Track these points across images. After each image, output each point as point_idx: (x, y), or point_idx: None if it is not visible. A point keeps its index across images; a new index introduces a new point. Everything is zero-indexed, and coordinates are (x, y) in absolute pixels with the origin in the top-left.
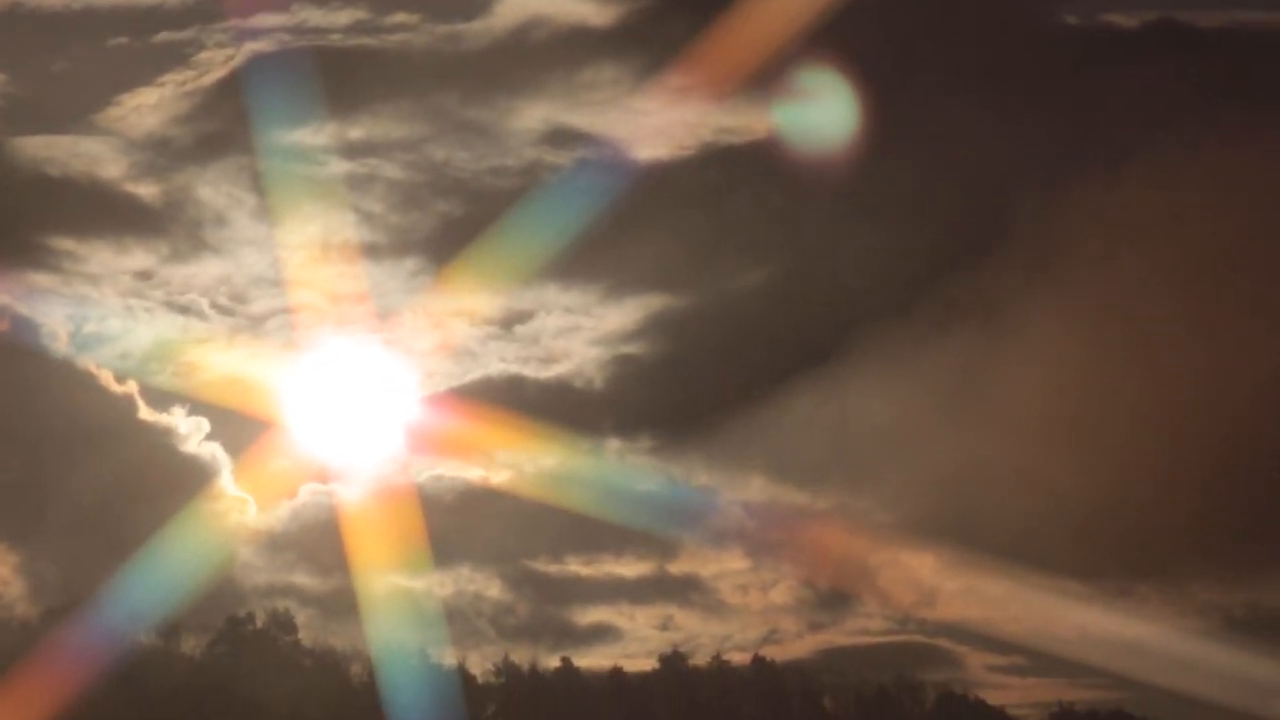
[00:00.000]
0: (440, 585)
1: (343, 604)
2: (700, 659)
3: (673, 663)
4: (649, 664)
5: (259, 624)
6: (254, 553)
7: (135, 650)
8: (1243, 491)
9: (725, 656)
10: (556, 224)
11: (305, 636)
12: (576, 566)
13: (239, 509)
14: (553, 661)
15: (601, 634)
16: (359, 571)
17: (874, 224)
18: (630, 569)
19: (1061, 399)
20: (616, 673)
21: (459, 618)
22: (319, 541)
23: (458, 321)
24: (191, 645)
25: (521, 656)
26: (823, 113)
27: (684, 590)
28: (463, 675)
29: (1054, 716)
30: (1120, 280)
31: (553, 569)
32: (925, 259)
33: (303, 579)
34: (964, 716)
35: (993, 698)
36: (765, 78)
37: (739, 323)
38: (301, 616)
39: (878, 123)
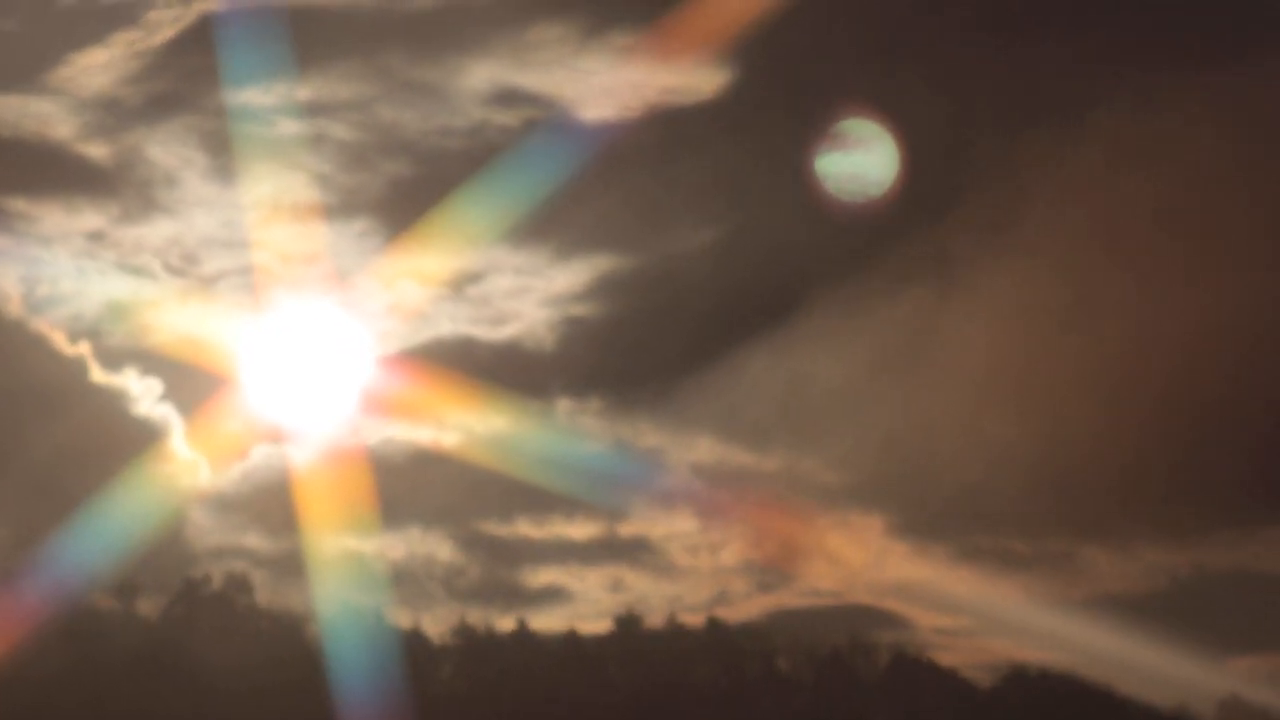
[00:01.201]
0: (391, 547)
1: (294, 566)
2: (653, 621)
3: (627, 624)
4: (601, 625)
5: (216, 586)
6: (205, 514)
7: (92, 612)
8: (1190, 452)
9: (679, 618)
10: (505, 185)
11: (260, 598)
12: (526, 528)
13: (191, 470)
14: (507, 624)
15: (552, 596)
16: (310, 533)
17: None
18: (580, 530)
19: (1011, 360)
20: (571, 635)
21: (410, 580)
22: (270, 503)
23: (408, 283)
24: (148, 607)
25: (474, 619)
26: (773, 73)
27: (634, 552)
28: (418, 638)
29: (1006, 678)
30: (1073, 239)
31: (503, 531)
32: (877, 219)
33: (254, 541)
34: (917, 678)
35: (943, 659)
36: (712, 38)
37: (688, 283)
38: (253, 578)
39: (827, 82)
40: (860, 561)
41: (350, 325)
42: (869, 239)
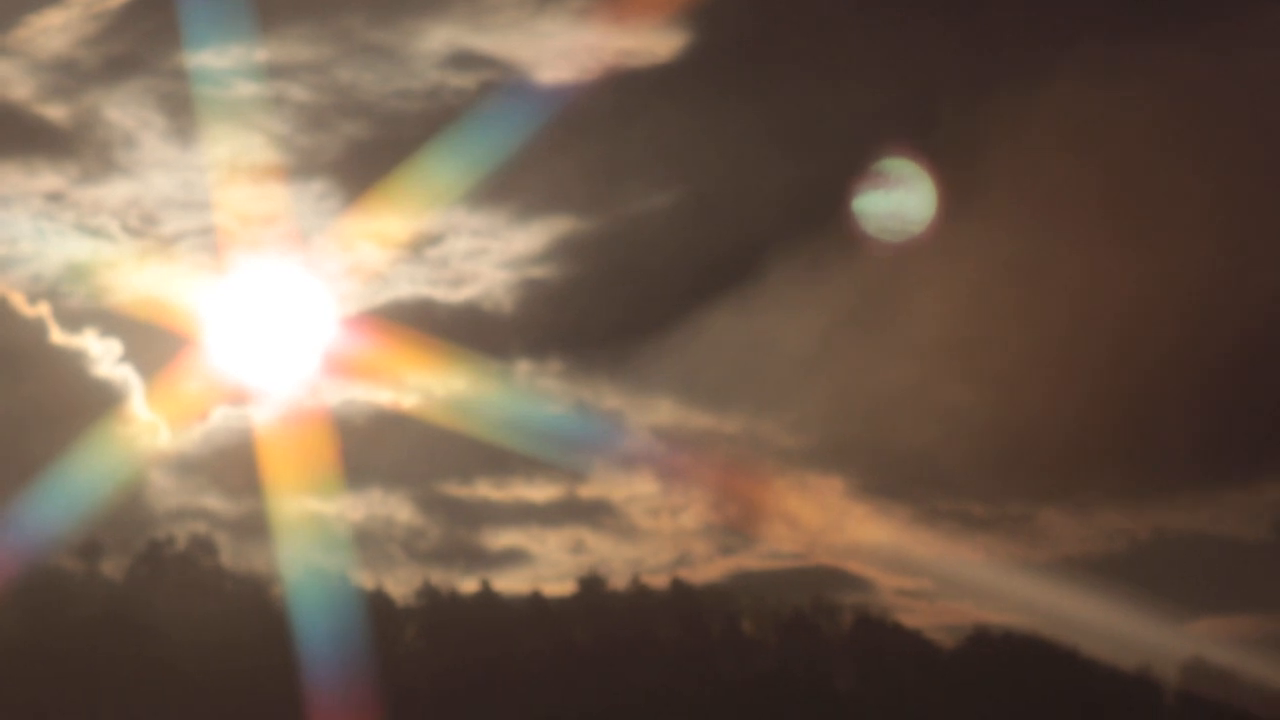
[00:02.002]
0: (352, 509)
1: (255, 527)
2: (616, 582)
3: (591, 586)
4: (564, 587)
5: (180, 546)
6: (165, 475)
7: (56, 573)
8: (1149, 416)
9: (642, 580)
10: (463, 147)
11: (224, 559)
12: (487, 490)
13: (151, 431)
14: (470, 585)
15: (513, 557)
16: (272, 495)
17: (786, 144)
18: (540, 492)
19: (970, 324)
20: (535, 596)
21: (370, 541)
22: (231, 465)
23: (367, 244)
24: (112, 568)
25: (436, 580)
26: (728, 36)
27: (594, 514)
28: (382, 599)
29: (970, 640)
30: (1029, 206)
31: (463, 492)
32: (840, 178)
33: (214, 502)
34: (880, 639)
35: (906, 621)
36: (668, 1)
37: (647, 245)
38: (216, 539)
39: (789, 39)
40: (820, 523)
41: (310, 287)
42: (830, 201)
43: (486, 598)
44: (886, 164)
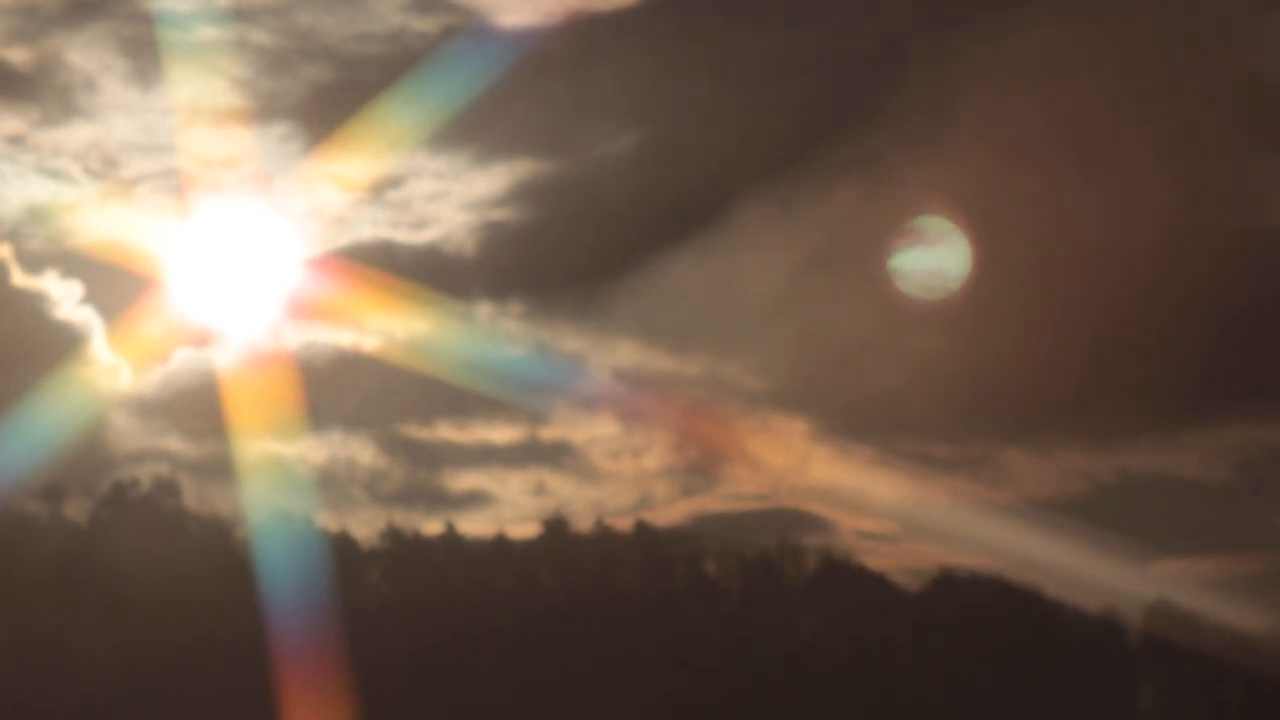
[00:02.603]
0: (313, 451)
1: (217, 469)
2: (580, 524)
3: (555, 528)
4: (525, 529)
5: (144, 489)
6: (127, 418)
7: (19, 516)
8: (1112, 357)
9: (606, 522)
10: (425, 91)
11: (188, 501)
12: (448, 432)
13: (112, 374)
14: (434, 527)
15: (475, 499)
16: (232, 437)
17: (752, 86)
18: (502, 434)
19: (935, 264)
20: (500, 539)
21: (332, 483)
22: (192, 406)
23: (328, 187)
24: (75, 511)
25: (399, 522)
26: None
27: (556, 456)
28: (346, 541)
29: (935, 582)
30: (999, 144)
31: (424, 434)
32: (807, 120)
33: (176, 444)
34: (845, 582)
35: (871, 564)
36: None
37: (609, 188)
38: (180, 482)
39: None
40: (783, 465)
41: (272, 229)
42: (796, 144)
43: (450, 539)
44: (923, 222)
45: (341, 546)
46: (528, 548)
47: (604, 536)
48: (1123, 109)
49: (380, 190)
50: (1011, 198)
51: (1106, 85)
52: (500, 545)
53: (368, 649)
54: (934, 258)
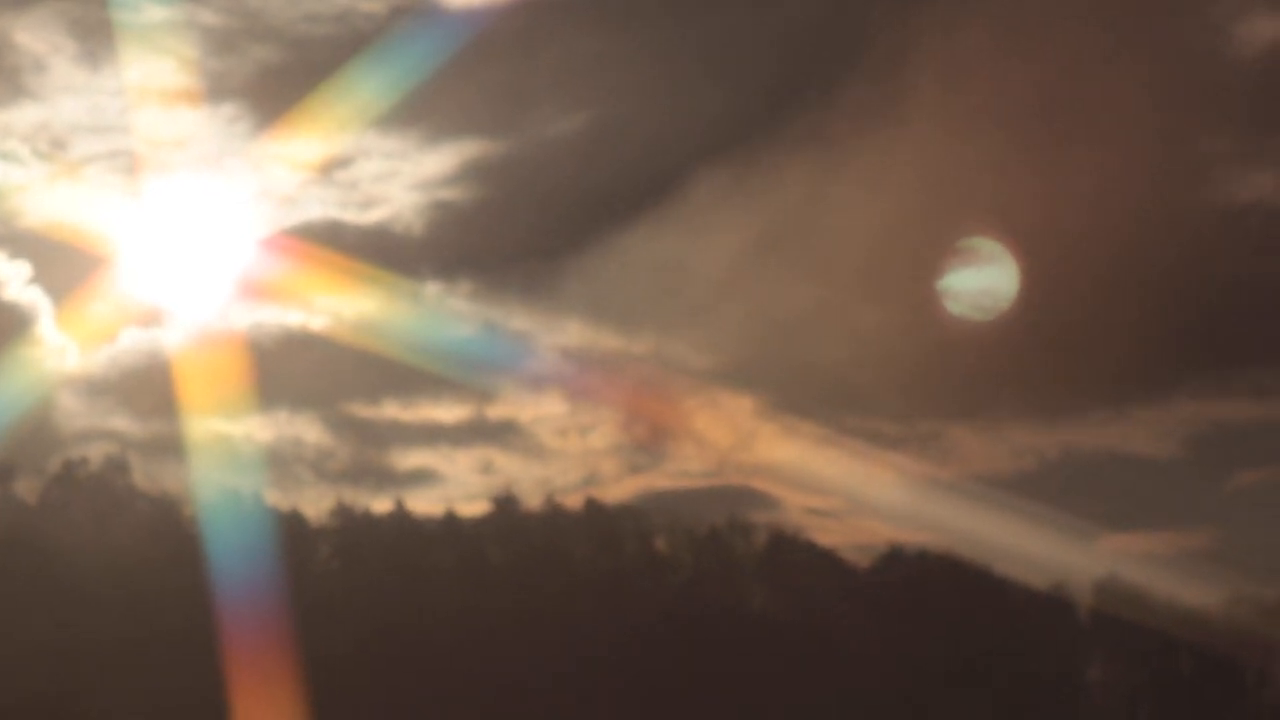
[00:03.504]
0: (261, 430)
1: (163, 448)
2: (530, 502)
3: (505, 505)
4: (473, 507)
5: (93, 468)
6: (74, 397)
7: None
8: (1059, 334)
9: (556, 499)
10: (373, 71)
11: (137, 480)
12: (395, 410)
13: (59, 354)
14: (384, 505)
15: (423, 478)
16: (180, 416)
17: (701, 65)
18: (449, 413)
19: (884, 243)
20: (449, 516)
21: (279, 462)
22: (139, 386)
23: (277, 167)
24: (26, 489)
25: (348, 500)
26: None
27: (503, 434)
28: (295, 519)
29: (884, 558)
30: (953, 122)
31: (371, 413)
32: (758, 97)
33: (123, 423)
34: (795, 558)
35: (821, 540)
36: None
37: (557, 168)
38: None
39: None
40: (730, 442)
41: (220, 210)
42: (746, 122)
43: (400, 517)
44: (972, 243)
45: (291, 524)
46: (477, 526)
47: (554, 514)
48: (1077, 86)
49: (329, 170)
50: (963, 175)
51: (1061, 62)
52: (450, 523)
53: (317, 626)
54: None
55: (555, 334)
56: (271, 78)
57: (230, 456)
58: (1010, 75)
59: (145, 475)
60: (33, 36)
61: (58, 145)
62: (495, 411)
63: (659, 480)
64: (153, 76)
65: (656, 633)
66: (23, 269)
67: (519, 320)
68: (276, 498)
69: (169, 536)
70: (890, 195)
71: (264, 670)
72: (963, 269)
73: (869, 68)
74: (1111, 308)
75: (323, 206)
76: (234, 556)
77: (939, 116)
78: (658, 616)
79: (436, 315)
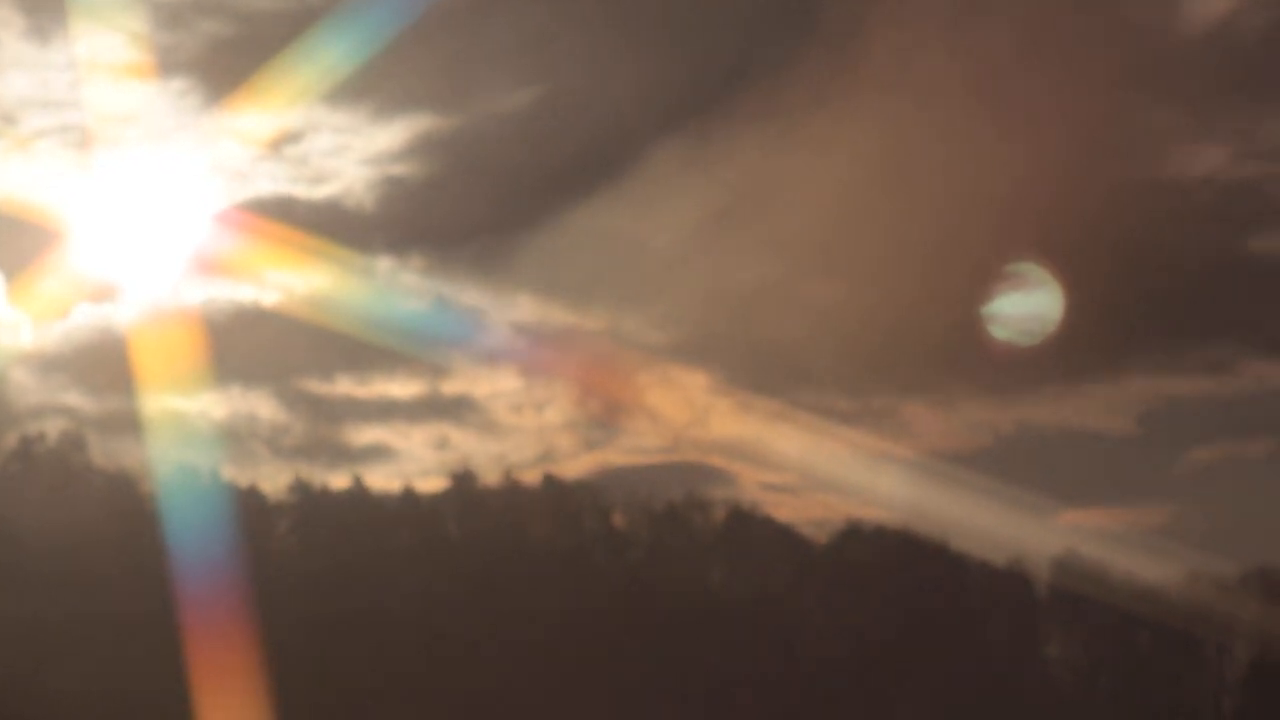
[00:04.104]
0: (215, 406)
1: (116, 425)
2: (487, 478)
3: (463, 481)
4: (430, 483)
5: (50, 443)
6: (26, 373)
7: None
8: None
9: (514, 475)
10: (323, 45)
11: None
12: (349, 386)
13: (12, 329)
14: (339, 481)
15: (377, 453)
16: (133, 392)
17: (653, 37)
18: (403, 388)
19: (839, 219)
20: (408, 492)
21: (234, 439)
22: (93, 362)
23: (227, 142)
24: None
25: (302, 476)
26: None
27: (458, 410)
28: (253, 495)
29: (842, 534)
30: (905, 97)
31: (325, 389)
32: (711, 71)
33: (76, 400)
34: (752, 534)
35: (779, 515)
36: None
37: (508, 142)
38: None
39: None
40: (685, 418)
41: (171, 185)
42: (699, 96)
43: (358, 494)
44: (1017, 267)
45: (248, 501)
46: (436, 501)
47: (512, 490)
48: (1029, 61)
49: (280, 145)
50: (917, 149)
51: (1013, 37)
52: (408, 499)
53: (275, 602)
54: None
55: (508, 309)
56: (221, 52)
57: (185, 433)
58: (964, 49)
59: (101, 451)
60: None
61: (8, 120)
62: (449, 387)
63: (615, 456)
64: (103, 51)
65: (615, 608)
66: None
67: (471, 295)
68: (232, 474)
69: (126, 513)
70: (846, 170)
71: (223, 647)
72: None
73: (824, 40)
74: (1064, 284)
75: (274, 182)
76: (192, 532)
77: (893, 91)
78: (616, 592)
79: (389, 291)
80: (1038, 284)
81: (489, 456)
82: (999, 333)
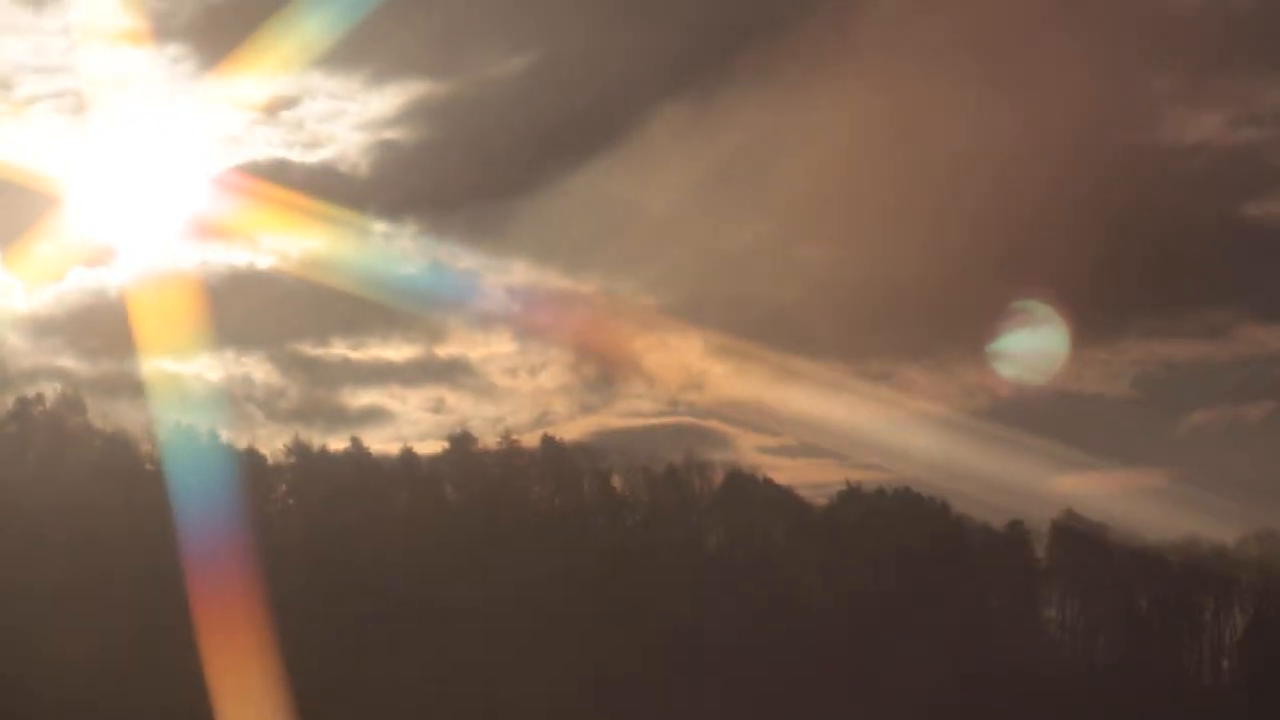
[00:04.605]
0: (210, 369)
1: (111, 387)
2: (487, 440)
3: (461, 444)
4: (426, 446)
5: (48, 405)
6: (20, 337)
7: None
8: (1008, 275)
9: (513, 438)
10: (318, 11)
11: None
12: (344, 349)
13: (6, 293)
14: (337, 444)
15: (374, 416)
16: (127, 355)
17: (646, 6)
18: (398, 352)
19: (836, 184)
20: (407, 454)
21: (229, 402)
22: (87, 326)
23: (223, 107)
24: None
25: (301, 439)
26: None
27: (453, 373)
28: (253, 456)
29: (841, 496)
30: (901, 61)
31: (321, 352)
32: (708, 36)
33: (70, 363)
34: (751, 496)
35: (777, 478)
36: None
37: (504, 107)
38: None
39: None
40: (681, 381)
41: (166, 149)
42: (696, 61)
43: (357, 456)
44: (1024, 304)
45: (247, 461)
46: (434, 464)
47: (510, 452)
48: (1027, 27)
49: (275, 110)
50: (915, 114)
51: (1008, 5)
52: (407, 461)
53: (275, 562)
54: None
55: (503, 273)
56: (216, 18)
57: (181, 395)
58: (962, 16)
59: (98, 414)
60: None
61: (3, 86)
62: (445, 351)
63: (610, 420)
64: (98, 16)
65: (613, 570)
66: None
67: (467, 260)
68: (235, 436)
69: (125, 474)
70: (843, 133)
71: (226, 605)
72: None
73: (822, 5)
74: (1061, 248)
75: (269, 146)
76: (192, 493)
77: (890, 55)
78: (615, 554)
79: (384, 255)
80: (1042, 321)
81: (485, 420)
82: (1004, 371)
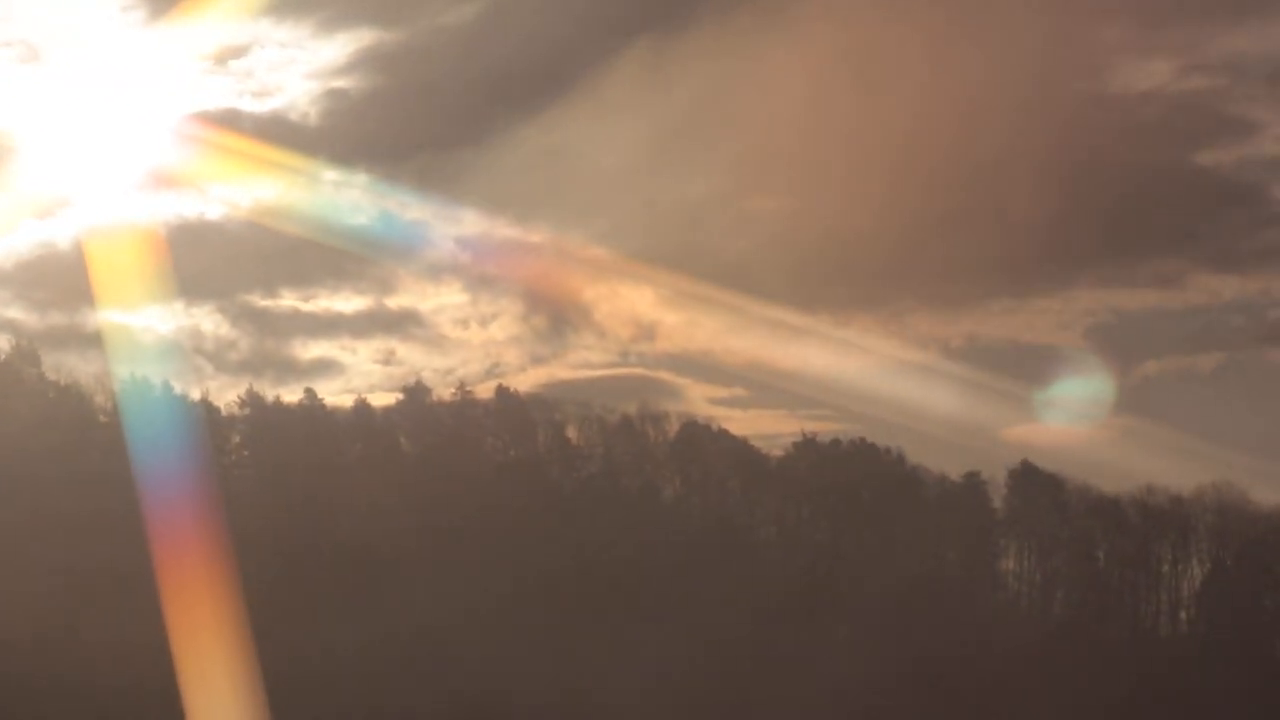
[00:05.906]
0: (160, 320)
1: (61, 339)
2: (441, 392)
3: (415, 395)
4: (379, 398)
5: (2, 357)
6: None
7: None
8: (959, 224)
9: (467, 388)
10: None
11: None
12: (294, 301)
13: None
14: (289, 396)
15: (325, 368)
16: (78, 308)
17: None
18: (348, 303)
19: (789, 135)
20: (360, 405)
21: (180, 353)
22: (36, 277)
23: (171, 56)
24: None
25: (255, 390)
26: None
27: (403, 324)
28: (206, 407)
29: (797, 447)
30: (857, 10)
31: (269, 303)
32: None
33: (19, 314)
34: (706, 447)
35: (733, 429)
36: None
37: (453, 57)
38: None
39: None
40: (632, 333)
41: (115, 99)
42: (652, 11)
43: (310, 407)
44: (1064, 350)
45: (200, 413)
46: (389, 415)
47: (465, 403)
48: None
49: (225, 59)
50: (868, 63)
51: None
52: (361, 412)
53: (231, 511)
54: None
55: (453, 224)
56: None
57: (132, 347)
58: None
59: (50, 366)
60: None
61: None
62: (395, 302)
63: (561, 371)
64: None
65: (569, 519)
66: None
67: (417, 209)
68: (189, 386)
69: (80, 424)
70: (797, 86)
71: (188, 552)
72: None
73: None
74: (1012, 198)
75: (219, 95)
76: (148, 443)
77: (843, 10)
78: (571, 505)
79: (334, 204)
80: (1083, 368)
81: (435, 371)
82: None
